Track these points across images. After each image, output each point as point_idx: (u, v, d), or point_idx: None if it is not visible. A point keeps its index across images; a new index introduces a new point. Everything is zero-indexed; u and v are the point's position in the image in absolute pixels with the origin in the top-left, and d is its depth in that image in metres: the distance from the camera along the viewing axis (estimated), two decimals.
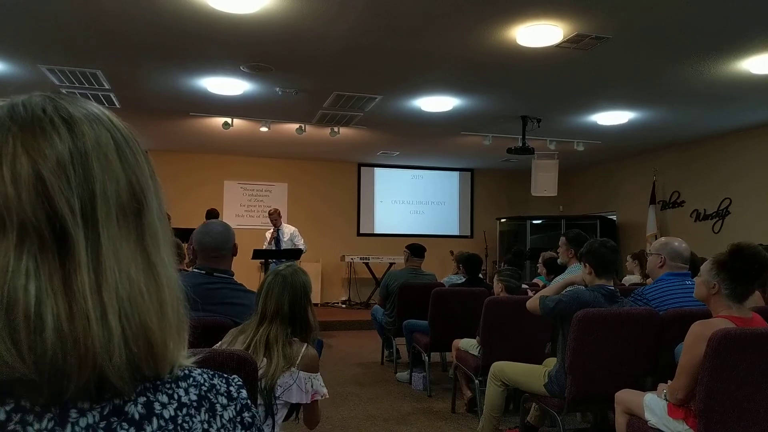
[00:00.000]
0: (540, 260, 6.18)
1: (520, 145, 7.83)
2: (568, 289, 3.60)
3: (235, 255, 2.71)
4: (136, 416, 0.55)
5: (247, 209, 10.97)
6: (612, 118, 7.56)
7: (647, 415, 2.67)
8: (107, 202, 0.55)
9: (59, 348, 0.50)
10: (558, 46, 5.01)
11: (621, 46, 5.05)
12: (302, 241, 8.21)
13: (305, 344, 2.21)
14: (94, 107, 0.60)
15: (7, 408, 0.50)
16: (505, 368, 3.66)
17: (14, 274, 0.50)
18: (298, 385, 2.13)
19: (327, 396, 2.21)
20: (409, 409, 4.72)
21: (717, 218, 8.71)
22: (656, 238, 6.76)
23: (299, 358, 2.16)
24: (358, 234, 11.63)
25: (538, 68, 5.68)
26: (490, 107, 7.17)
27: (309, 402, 2.17)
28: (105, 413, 0.53)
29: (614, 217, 10.91)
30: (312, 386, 2.16)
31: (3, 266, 0.50)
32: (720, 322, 2.46)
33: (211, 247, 2.57)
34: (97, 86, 6.37)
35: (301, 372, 2.14)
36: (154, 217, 0.60)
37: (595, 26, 4.65)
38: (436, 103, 6.98)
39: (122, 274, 0.54)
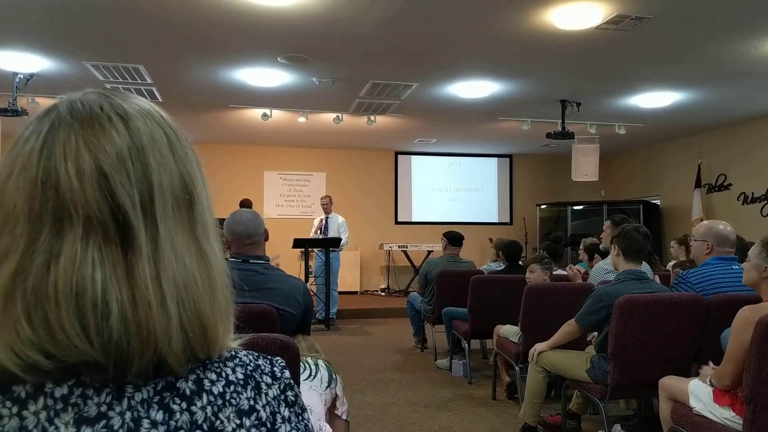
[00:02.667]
0: (581, 246, 6.10)
1: (560, 129, 7.70)
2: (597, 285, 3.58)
3: (267, 240, 2.76)
4: (188, 392, 0.58)
5: (287, 199, 11.10)
6: (654, 99, 7.37)
7: (692, 402, 2.63)
8: (164, 195, 0.58)
9: (123, 333, 0.53)
10: (597, 27, 4.91)
11: (663, 25, 4.92)
12: (347, 234, 8.27)
13: None
14: (145, 103, 0.63)
15: (69, 383, 0.54)
16: (547, 354, 3.65)
17: (82, 264, 0.53)
18: (342, 386, 2.41)
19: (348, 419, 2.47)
20: (449, 395, 4.75)
21: (765, 201, 8.42)
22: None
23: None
24: (396, 222, 11.65)
25: (577, 51, 5.57)
26: (528, 92, 7.08)
27: (343, 410, 2.38)
28: (158, 389, 0.57)
29: (658, 202, 10.66)
30: (344, 402, 2.41)
31: (71, 255, 0.53)
32: None
33: (244, 235, 2.61)
34: (140, 81, 6.53)
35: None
36: (204, 208, 0.63)
37: (636, 6, 4.54)
38: (473, 89, 6.92)
39: (178, 263, 0.58)
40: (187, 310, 0.57)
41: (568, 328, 3.46)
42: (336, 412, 2.35)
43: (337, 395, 2.36)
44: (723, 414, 2.48)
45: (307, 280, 7.77)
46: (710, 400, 2.55)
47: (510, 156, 12.12)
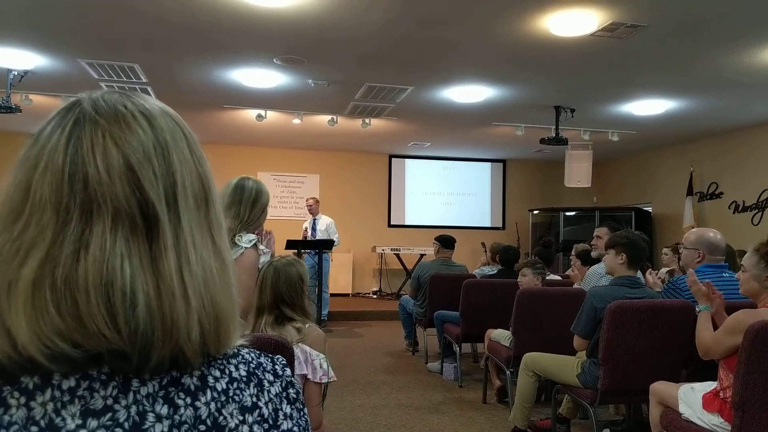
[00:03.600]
0: (573, 252, 6.13)
1: (554, 135, 7.74)
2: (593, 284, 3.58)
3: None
4: (192, 387, 0.59)
5: (281, 200, 11.08)
6: (648, 107, 7.42)
7: (681, 408, 2.66)
8: (185, 192, 0.60)
9: (149, 323, 0.54)
10: (592, 35, 4.94)
11: (657, 34, 4.96)
12: (337, 234, 8.28)
13: (309, 324, 2.30)
14: (160, 103, 0.65)
15: (76, 376, 0.55)
16: (538, 359, 3.67)
17: (111, 254, 0.54)
18: (308, 358, 2.18)
19: (335, 379, 2.26)
20: (440, 398, 4.76)
21: (756, 210, 8.49)
22: None
23: (305, 336, 2.25)
24: (389, 225, 11.66)
25: (572, 57, 5.61)
26: (522, 97, 7.11)
27: (318, 381, 2.19)
28: (164, 383, 0.58)
29: (650, 209, 10.72)
30: (320, 365, 2.20)
31: (101, 246, 0.54)
32: (765, 312, 2.43)
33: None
34: (134, 79, 6.51)
35: (310, 348, 2.21)
36: (217, 206, 0.65)
37: (631, 14, 4.57)
38: (468, 94, 6.94)
39: (198, 257, 0.59)
40: (206, 303, 0.58)
41: (575, 342, 3.43)
42: (310, 378, 2.17)
43: (306, 371, 2.16)
44: (711, 420, 2.50)
45: None
46: (699, 406, 2.57)
47: (503, 161, 12.16)
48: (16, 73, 6.17)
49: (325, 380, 2.21)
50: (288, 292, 2.26)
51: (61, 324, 0.52)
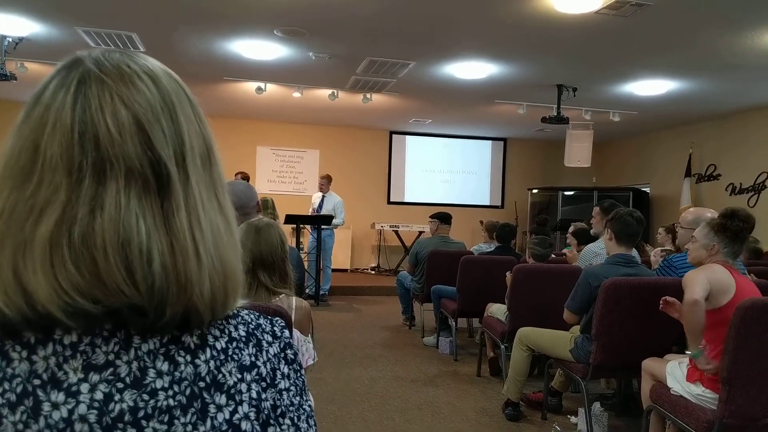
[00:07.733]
0: (569, 231, 6.15)
1: (555, 114, 7.72)
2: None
3: (260, 212, 2.77)
4: (192, 345, 0.60)
5: (279, 175, 11.08)
6: (650, 88, 7.39)
7: (670, 382, 2.72)
8: (193, 151, 0.61)
9: (164, 279, 0.56)
10: (597, 12, 4.91)
11: (662, 13, 4.92)
12: (342, 215, 8.31)
13: (293, 297, 2.13)
14: (160, 64, 0.65)
15: (78, 331, 0.55)
16: (531, 334, 3.71)
17: (126, 213, 0.55)
18: (297, 344, 2.02)
19: (316, 359, 2.14)
20: (435, 371, 4.82)
21: (753, 192, 8.52)
22: None
23: (293, 311, 2.07)
24: (389, 202, 11.67)
25: (575, 35, 5.57)
26: (525, 75, 7.07)
27: (305, 366, 2.03)
28: (164, 341, 0.59)
29: (647, 189, 10.74)
30: (307, 350, 2.07)
31: (116, 205, 0.55)
32: (717, 266, 2.62)
33: (236, 206, 2.58)
34: (132, 49, 6.45)
35: (297, 332, 2.03)
36: (220, 167, 0.66)
37: None
38: (471, 70, 6.90)
39: (206, 215, 0.60)
40: (215, 260, 0.60)
41: (565, 315, 3.48)
42: None
43: None
44: (694, 390, 2.57)
45: None
46: (684, 379, 2.64)
47: (504, 139, 12.13)
48: (10, 39, 6.08)
49: (310, 362, 2.09)
50: (269, 254, 2.08)
51: (80, 281, 0.53)
